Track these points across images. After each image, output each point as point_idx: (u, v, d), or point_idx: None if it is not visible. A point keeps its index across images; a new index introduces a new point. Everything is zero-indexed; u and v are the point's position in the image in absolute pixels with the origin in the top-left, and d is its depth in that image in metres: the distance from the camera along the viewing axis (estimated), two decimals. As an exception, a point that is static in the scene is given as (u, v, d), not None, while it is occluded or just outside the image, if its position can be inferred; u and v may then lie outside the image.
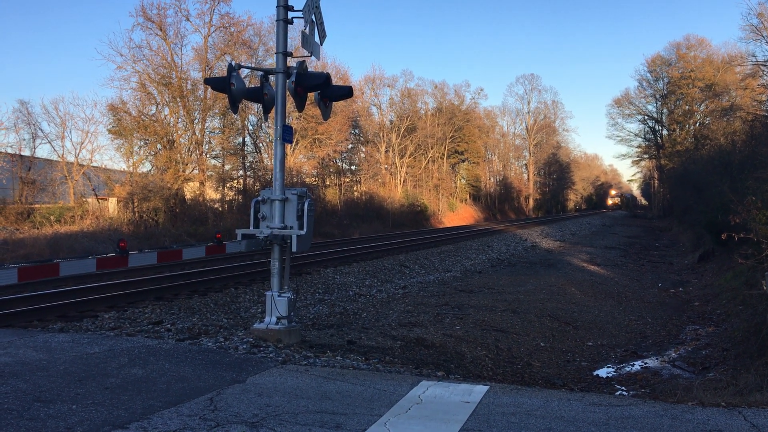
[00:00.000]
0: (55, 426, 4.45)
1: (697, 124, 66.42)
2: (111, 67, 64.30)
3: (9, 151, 30.42)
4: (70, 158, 31.62)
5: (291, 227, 8.35)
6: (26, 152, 31.05)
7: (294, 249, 8.28)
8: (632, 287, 21.11)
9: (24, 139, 31.86)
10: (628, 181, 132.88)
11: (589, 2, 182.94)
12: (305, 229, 8.31)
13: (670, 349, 13.17)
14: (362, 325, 11.57)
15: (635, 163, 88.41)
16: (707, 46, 67.27)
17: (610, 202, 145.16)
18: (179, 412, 4.85)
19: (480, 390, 5.76)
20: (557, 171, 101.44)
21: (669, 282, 23.09)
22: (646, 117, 76.09)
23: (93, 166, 32.59)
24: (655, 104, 74.60)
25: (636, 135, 79.20)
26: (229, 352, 7.13)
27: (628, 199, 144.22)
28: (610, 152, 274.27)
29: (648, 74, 73.44)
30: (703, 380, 9.50)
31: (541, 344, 12.16)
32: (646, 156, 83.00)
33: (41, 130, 32.40)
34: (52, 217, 26.43)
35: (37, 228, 25.04)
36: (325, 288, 15.95)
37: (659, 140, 74.55)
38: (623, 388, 10.15)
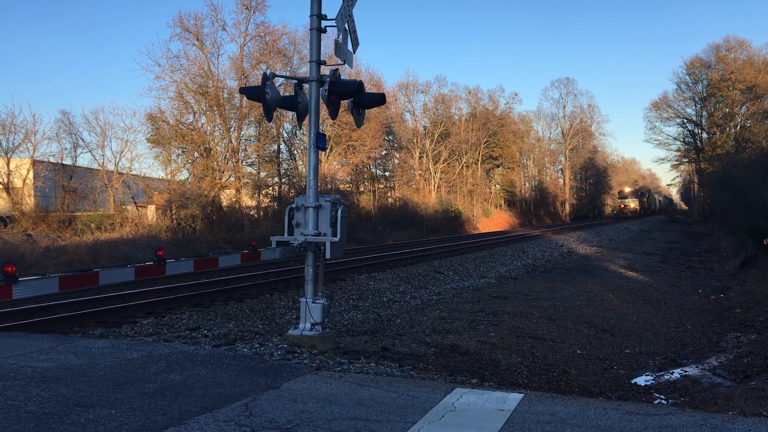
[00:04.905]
0: (95, 430, 4.55)
1: (738, 127, 65.01)
2: (149, 77, 65.81)
3: (51, 160, 31.26)
4: (110, 167, 32.34)
5: (325, 234, 8.41)
6: (68, 161, 31.89)
7: (328, 256, 8.34)
8: (671, 294, 20.72)
9: (66, 149, 32.74)
10: (668, 185, 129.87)
11: (625, 5, 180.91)
12: (339, 236, 8.35)
13: (710, 356, 12.89)
14: (396, 331, 11.57)
15: (674, 167, 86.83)
16: (748, 47, 65.93)
17: (623, 205, 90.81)
18: (215, 417, 4.92)
19: (515, 398, 5.72)
20: (594, 176, 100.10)
21: (709, 288, 22.61)
22: (685, 120, 74.67)
23: (132, 175, 33.28)
24: (694, 107, 73.19)
25: (675, 139, 77.68)
26: (264, 358, 7.20)
27: (662, 203, 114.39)
28: (648, 156, 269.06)
29: (687, 77, 72.10)
30: (745, 389, 9.28)
31: (578, 351, 12.01)
32: (685, 160, 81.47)
33: (82, 139, 33.27)
34: (92, 225, 27.00)
35: (79, 235, 25.61)
36: (359, 294, 15.98)
37: (699, 144, 73.06)
38: (662, 396, 9.97)
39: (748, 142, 45.59)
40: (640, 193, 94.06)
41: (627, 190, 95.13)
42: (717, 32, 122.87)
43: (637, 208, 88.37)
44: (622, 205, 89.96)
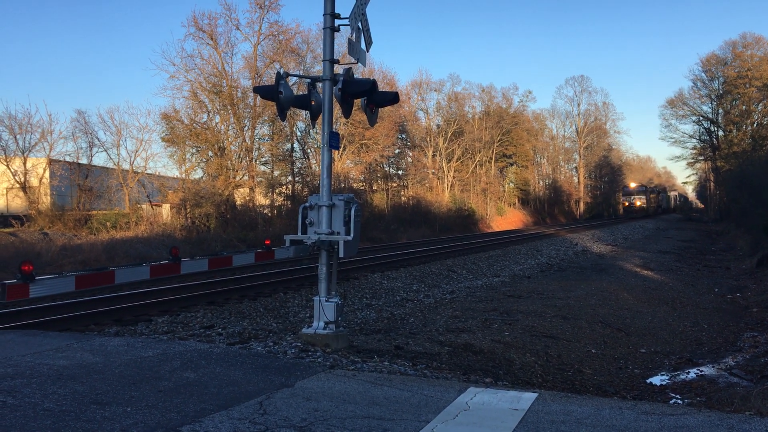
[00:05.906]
0: (111, 428, 4.58)
1: (755, 125, 64.33)
2: (164, 77, 66.32)
3: (67, 159, 31.57)
4: (125, 166, 32.55)
5: (338, 233, 8.41)
6: (84, 160, 32.21)
7: (341, 254, 8.34)
8: (687, 293, 20.56)
9: (82, 148, 33.02)
10: (683, 183, 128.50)
11: (640, 2, 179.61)
12: (352, 235, 8.35)
13: (726, 356, 12.77)
14: (409, 330, 11.56)
15: (690, 165, 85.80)
16: (765, 44, 65.10)
17: (627, 203, 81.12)
18: (230, 415, 4.93)
19: (529, 397, 5.69)
20: (609, 174, 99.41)
21: (726, 287, 22.40)
22: (701, 118, 73.87)
23: (147, 174, 33.50)
24: (710, 104, 72.37)
25: (690, 136, 76.91)
26: (278, 357, 7.22)
27: (677, 200, 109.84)
28: (663, 154, 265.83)
29: (703, 74, 71.34)
30: (762, 389, 9.19)
31: (593, 351, 11.94)
32: (701, 158, 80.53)
33: (98, 138, 33.49)
34: (108, 223, 27.21)
35: (94, 234, 25.81)
36: (372, 293, 15.99)
37: (715, 141, 72.32)
38: (677, 396, 9.89)
39: (765, 139, 45.15)
40: (649, 190, 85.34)
41: (632, 185, 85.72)
42: (733, 29, 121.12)
43: (644, 205, 79.74)
44: (627, 203, 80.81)
